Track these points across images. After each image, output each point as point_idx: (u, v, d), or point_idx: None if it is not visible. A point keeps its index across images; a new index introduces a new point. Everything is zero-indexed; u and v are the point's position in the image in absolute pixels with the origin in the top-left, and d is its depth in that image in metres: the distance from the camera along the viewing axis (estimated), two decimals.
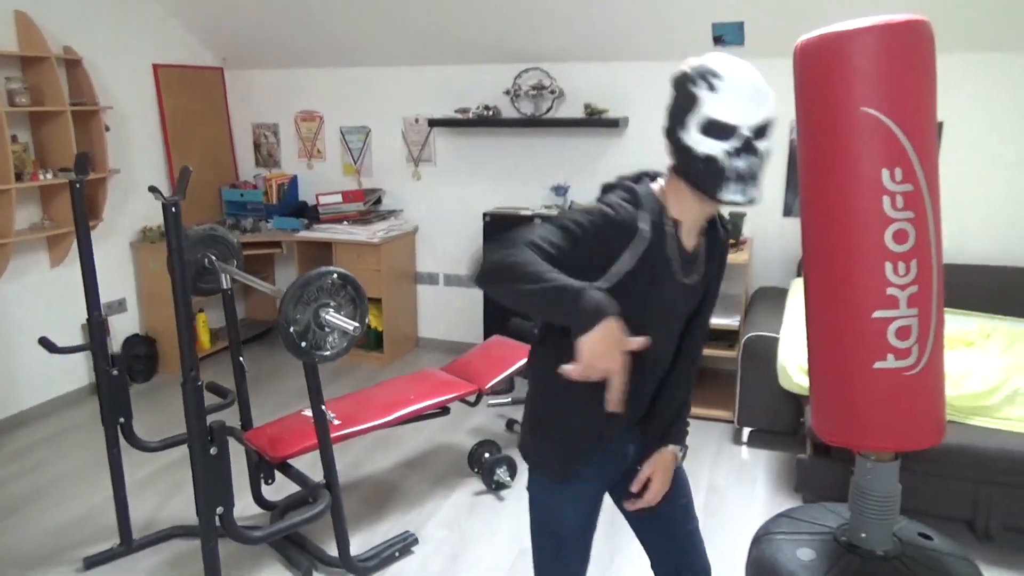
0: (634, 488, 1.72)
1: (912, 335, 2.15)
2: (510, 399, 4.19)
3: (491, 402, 4.17)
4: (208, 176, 5.29)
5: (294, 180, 5.35)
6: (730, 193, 1.46)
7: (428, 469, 3.56)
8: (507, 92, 4.59)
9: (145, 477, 3.44)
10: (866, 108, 2.08)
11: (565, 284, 1.29)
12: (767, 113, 1.46)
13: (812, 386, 2.38)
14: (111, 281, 4.59)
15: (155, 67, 4.84)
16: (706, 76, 1.45)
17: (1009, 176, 3.91)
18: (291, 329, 2.16)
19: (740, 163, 1.44)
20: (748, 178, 1.45)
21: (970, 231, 4.00)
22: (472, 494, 3.32)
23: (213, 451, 2.09)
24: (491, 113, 4.64)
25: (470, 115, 4.67)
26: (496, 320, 4.51)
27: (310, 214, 5.09)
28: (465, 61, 4.72)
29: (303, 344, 2.20)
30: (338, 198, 4.98)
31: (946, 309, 3.65)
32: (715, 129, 1.43)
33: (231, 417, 3.12)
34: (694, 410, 3.79)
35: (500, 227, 4.63)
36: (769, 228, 4.34)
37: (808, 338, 2.38)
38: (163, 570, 2.81)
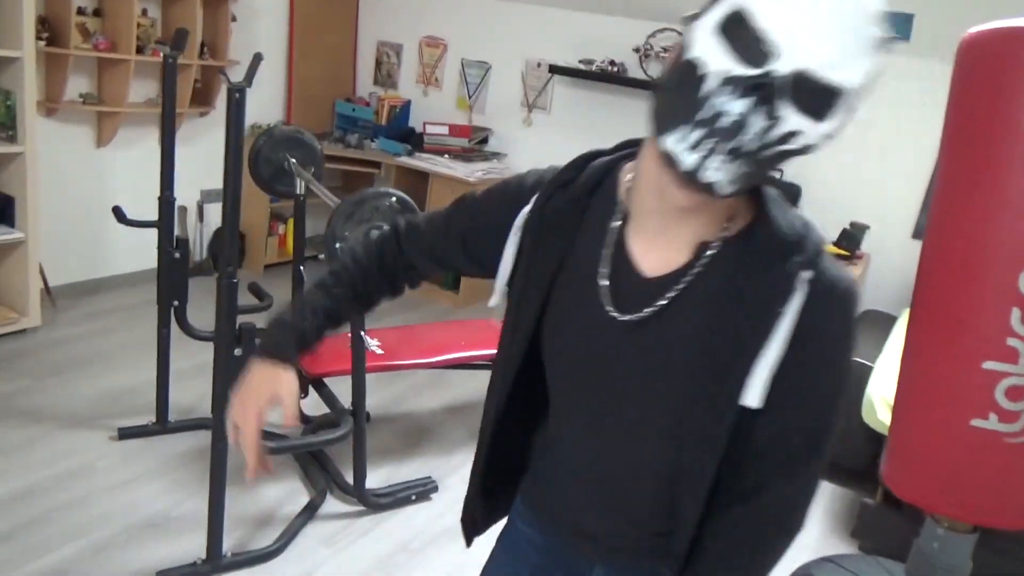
0: None
1: None
2: None
3: None
4: (326, 85, 5.28)
5: (407, 105, 5.27)
6: (675, 138, 0.79)
7: (470, 419, 3.44)
8: (637, 50, 4.31)
9: (198, 365, 3.49)
10: None
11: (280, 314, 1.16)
12: (850, 69, 0.76)
13: (893, 429, 2.09)
14: (214, 170, 4.58)
15: None
16: None
17: None
18: (337, 245, 2.05)
19: (730, 108, 0.76)
20: (720, 142, 0.78)
21: None
22: None
23: (238, 352, 2.03)
24: (616, 70, 4.37)
25: (593, 68, 4.42)
26: None
27: (415, 141, 5.00)
28: (599, 10, 4.45)
29: None
30: (444, 130, 4.86)
31: None
32: (739, 27, 0.76)
33: None
34: None
35: None
36: (894, 248, 3.92)
37: (900, 374, 2.08)
38: (189, 455, 2.83)
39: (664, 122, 0.82)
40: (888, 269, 3.96)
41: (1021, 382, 1.82)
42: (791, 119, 0.77)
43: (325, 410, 3.08)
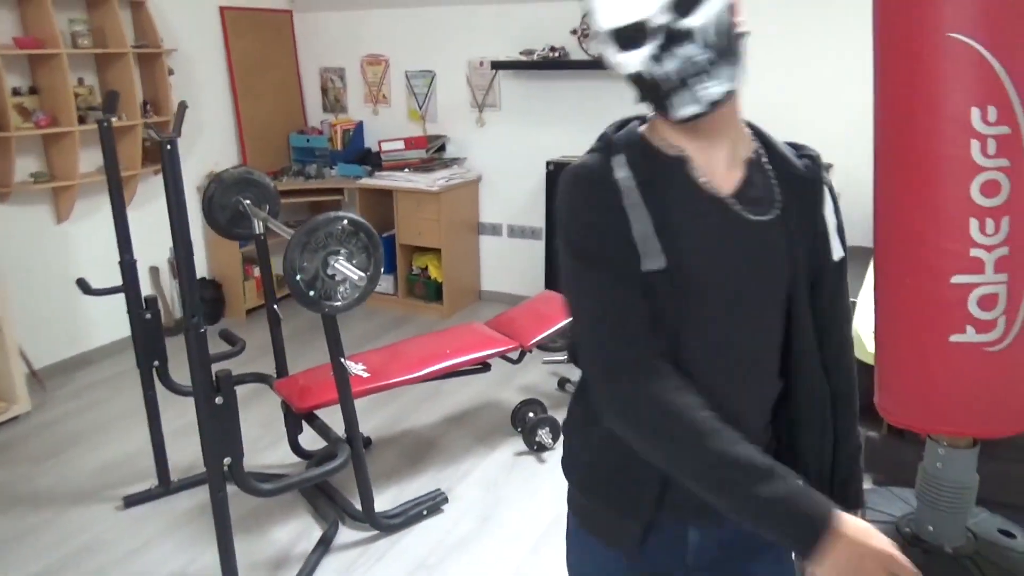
0: None
1: (999, 305, 1.84)
2: (566, 357, 4.01)
3: (546, 359, 4.02)
4: (277, 121, 5.27)
5: (359, 126, 5.26)
6: (682, 108, 1.00)
7: (471, 426, 3.44)
8: (574, 32, 4.31)
9: (191, 421, 3.45)
10: (955, 34, 1.74)
11: (743, 460, 0.96)
12: None
13: (878, 359, 2.10)
14: None
15: (222, 9, 4.79)
16: None
17: None
18: (298, 277, 2.04)
19: (671, 64, 0.98)
20: (692, 75, 0.98)
21: None
22: (513, 454, 3.19)
23: (219, 401, 2.02)
24: (557, 55, 4.37)
25: (535, 57, 4.42)
26: (558, 274, 4.32)
27: (373, 161, 4.99)
28: None
29: (311, 293, 2.09)
30: (400, 144, 4.85)
31: None
32: (620, 37, 1.00)
33: (269, 366, 3.10)
34: None
35: None
36: (862, 181, 3.90)
37: (876, 304, 2.09)
38: (198, 512, 2.82)
39: (662, 107, 1.03)
40: (858, 203, 3.95)
41: (991, 290, 1.83)
42: (693, 24, 0.97)
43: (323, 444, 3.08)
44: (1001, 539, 2.19)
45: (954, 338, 1.87)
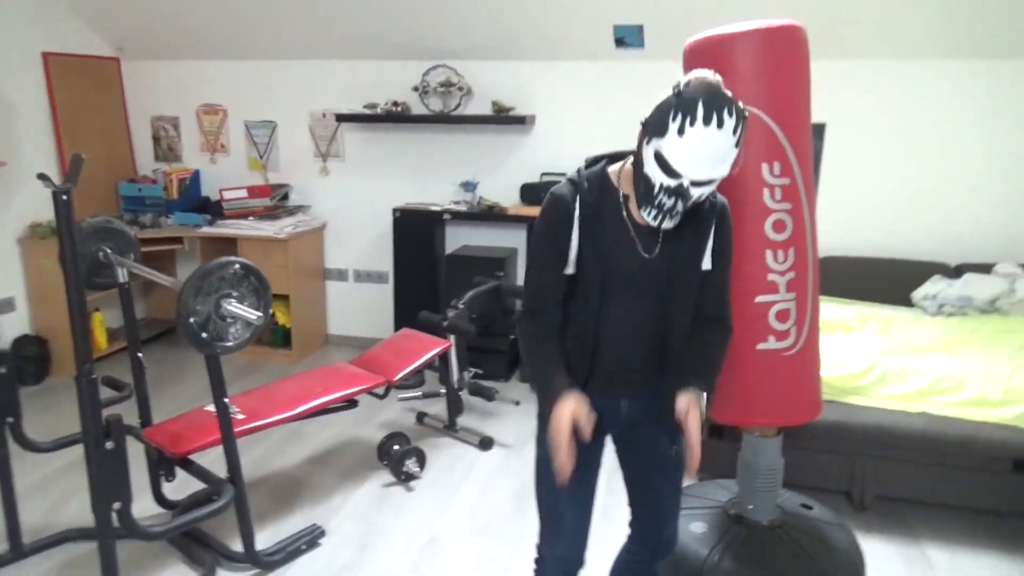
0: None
1: (791, 318, 2.32)
2: (420, 392, 4.21)
3: (401, 396, 4.20)
4: (103, 170, 5.09)
5: (196, 175, 5.21)
6: (646, 212, 1.62)
7: (337, 463, 3.55)
8: (416, 88, 4.62)
9: (39, 480, 3.31)
10: (747, 106, 2.23)
11: (544, 368, 1.77)
12: (716, 174, 1.56)
13: None
14: None
15: (45, 56, 4.62)
16: (685, 116, 1.51)
17: (886, 174, 4.22)
18: (191, 320, 2.13)
19: (668, 200, 1.57)
20: (668, 212, 1.60)
21: (850, 225, 4.29)
22: (381, 486, 3.34)
23: (110, 445, 2.05)
24: (400, 109, 4.65)
25: (378, 111, 4.67)
26: (407, 315, 4.54)
27: (213, 210, 4.97)
28: (373, 56, 4.72)
29: (204, 335, 2.18)
30: (243, 193, 4.89)
31: (827, 297, 3.93)
32: (662, 162, 1.54)
33: (130, 415, 3.05)
34: None
35: (410, 222, 4.65)
36: None
37: None
38: (56, 574, 2.71)
39: (640, 198, 1.64)
40: None
41: (785, 306, 2.31)
42: (695, 192, 1.59)
43: (185, 493, 3.07)
44: (803, 511, 2.69)
45: (760, 346, 2.33)
